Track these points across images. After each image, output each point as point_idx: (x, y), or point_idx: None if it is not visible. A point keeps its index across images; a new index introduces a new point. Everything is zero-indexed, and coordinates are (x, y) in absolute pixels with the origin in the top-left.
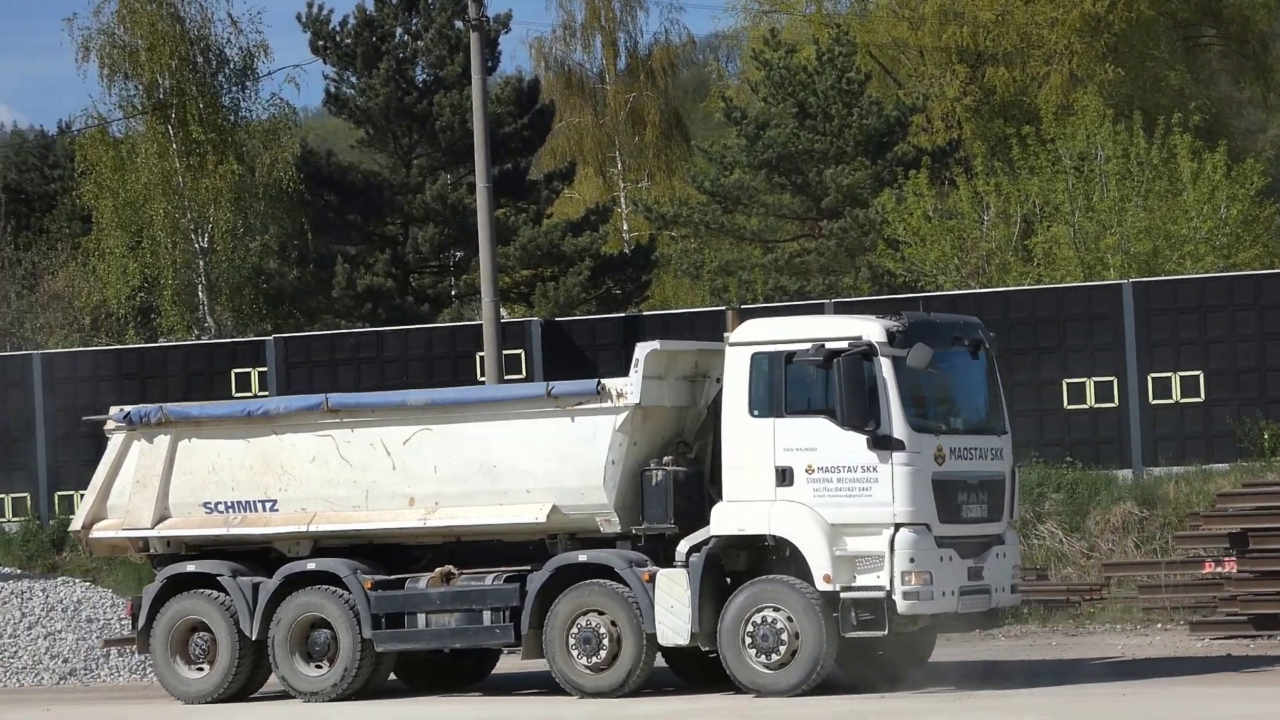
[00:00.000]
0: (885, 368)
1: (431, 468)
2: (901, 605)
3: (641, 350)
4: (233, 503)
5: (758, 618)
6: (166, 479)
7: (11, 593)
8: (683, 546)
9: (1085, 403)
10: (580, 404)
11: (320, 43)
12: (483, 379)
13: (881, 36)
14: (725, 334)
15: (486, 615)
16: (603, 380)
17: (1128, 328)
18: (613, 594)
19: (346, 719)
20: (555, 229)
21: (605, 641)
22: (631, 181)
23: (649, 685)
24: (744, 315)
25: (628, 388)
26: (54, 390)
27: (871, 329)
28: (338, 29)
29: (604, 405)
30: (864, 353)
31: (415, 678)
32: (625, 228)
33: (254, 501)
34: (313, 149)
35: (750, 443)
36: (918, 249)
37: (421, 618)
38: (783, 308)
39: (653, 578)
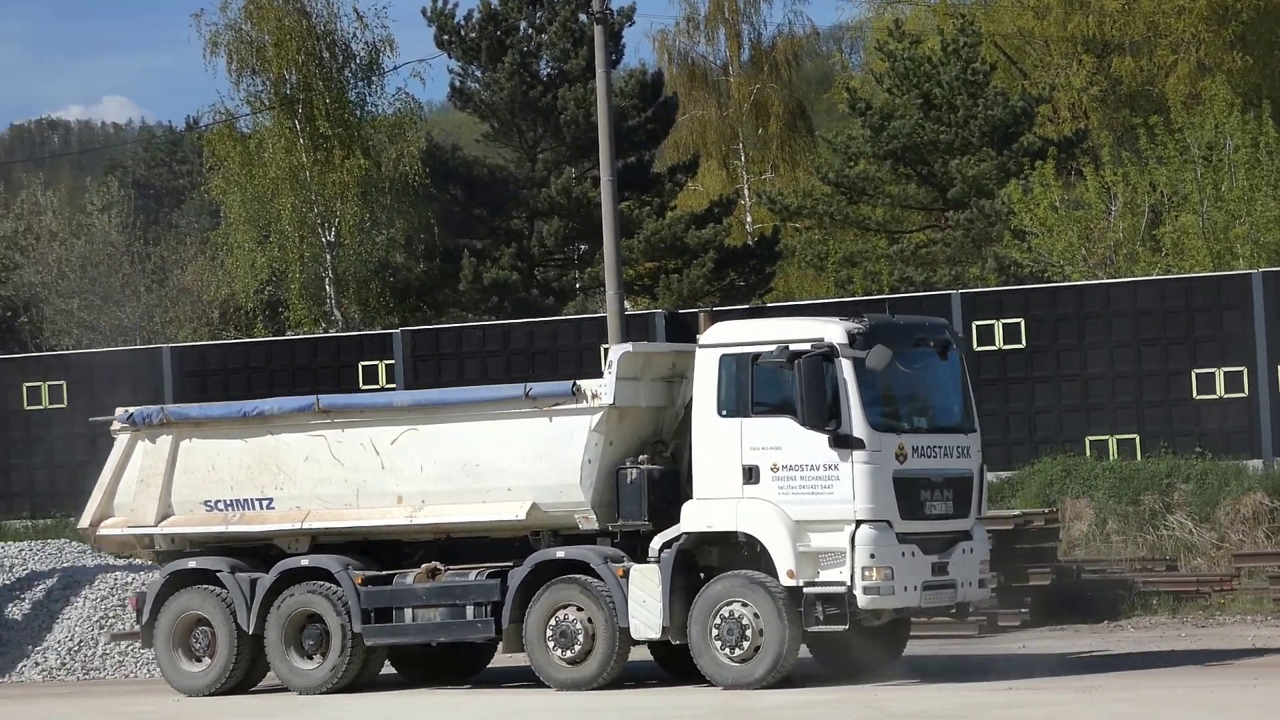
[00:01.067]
0: (846, 368)
1: (418, 467)
2: (862, 600)
3: (615, 352)
4: (231, 501)
5: (725, 612)
6: (169, 478)
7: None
8: (655, 543)
9: (1215, 393)
10: (557, 404)
11: (445, 37)
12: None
13: (1006, 27)
14: (697, 336)
15: (470, 610)
16: (578, 381)
17: (1257, 317)
18: (588, 589)
19: (327, 711)
20: (679, 221)
21: (580, 636)
22: (755, 173)
23: (629, 678)
24: (716, 318)
25: (602, 389)
26: (184, 383)
27: (833, 331)
28: (462, 23)
29: (580, 406)
30: (825, 354)
31: (412, 671)
32: (749, 219)
33: (251, 500)
34: (438, 143)
35: (718, 442)
36: (1044, 240)
37: (408, 612)
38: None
39: (626, 573)
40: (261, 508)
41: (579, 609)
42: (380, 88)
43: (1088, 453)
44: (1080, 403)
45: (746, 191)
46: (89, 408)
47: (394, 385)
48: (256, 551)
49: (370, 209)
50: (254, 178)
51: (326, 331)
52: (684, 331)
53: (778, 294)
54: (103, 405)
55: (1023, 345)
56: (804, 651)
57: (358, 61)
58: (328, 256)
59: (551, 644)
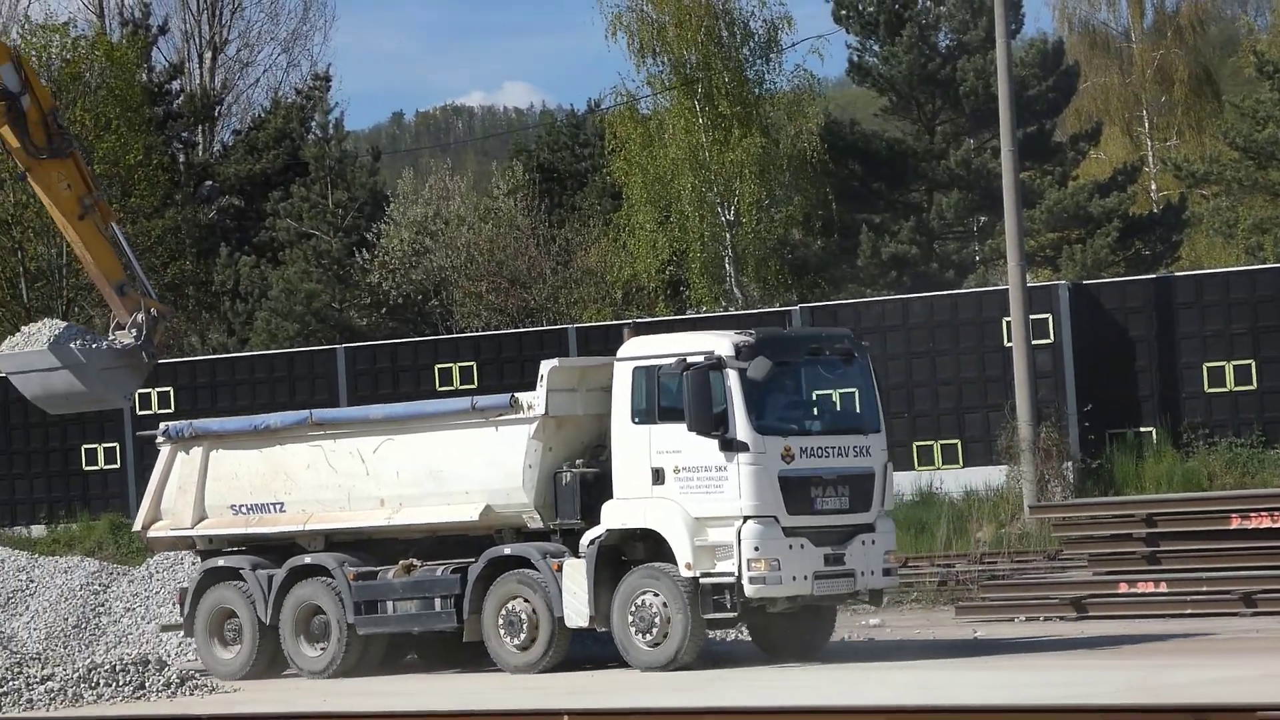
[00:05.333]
0: (732, 378)
1: (395, 473)
2: (749, 589)
3: (545, 367)
4: (251, 505)
5: (639, 601)
6: (202, 485)
7: None
8: (584, 539)
9: None
10: (501, 415)
11: (843, 12)
12: (1009, 344)
13: None
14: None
15: (437, 602)
16: (515, 394)
17: None
18: (531, 582)
19: (325, 689)
20: (1082, 190)
21: (525, 624)
22: (1160, 140)
23: (567, 661)
24: (639, 331)
25: (535, 400)
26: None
27: (721, 344)
28: None
29: (519, 416)
30: (712, 365)
31: (431, 656)
32: (1154, 187)
33: (267, 504)
34: (836, 119)
35: (631, 447)
36: None
37: (390, 604)
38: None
39: (561, 567)
40: (274, 511)
41: (525, 600)
42: (778, 65)
43: None
44: None
45: (1151, 158)
46: (497, 389)
47: None
48: (284, 549)
49: (769, 186)
50: (654, 158)
51: (726, 309)
52: (1090, 304)
53: (1184, 263)
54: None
55: None
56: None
57: (756, 39)
58: (727, 235)
59: (503, 632)
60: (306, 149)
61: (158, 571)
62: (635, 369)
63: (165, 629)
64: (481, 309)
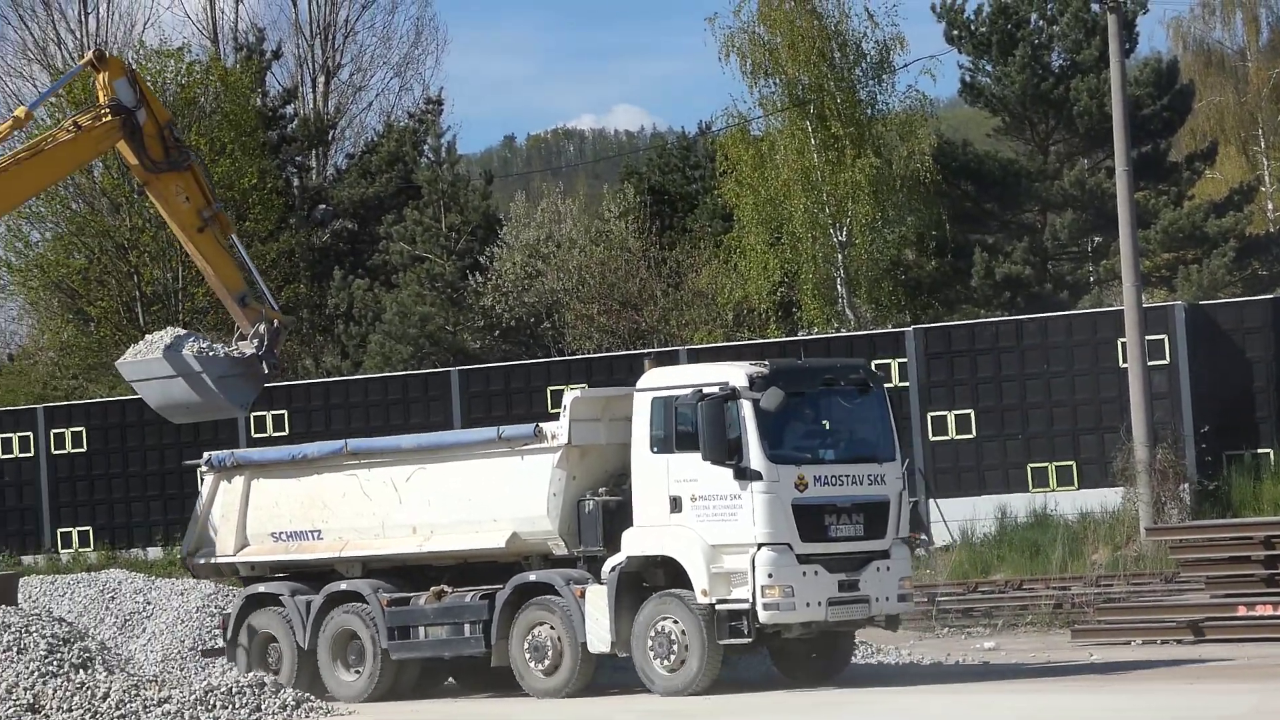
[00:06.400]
0: (746, 408)
1: (426, 501)
2: (763, 615)
3: (568, 397)
4: (290, 532)
5: (658, 627)
6: (244, 513)
7: None
8: (606, 566)
9: None
10: (526, 444)
11: (955, 32)
12: (1124, 365)
13: None
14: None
15: (466, 628)
16: (540, 425)
17: None
18: (556, 608)
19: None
20: (1197, 210)
21: (550, 650)
22: (1276, 159)
23: (594, 687)
24: (660, 361)
25: (559, 430)
26: None
27: (735, 375)
28: (973, 18)
29: (543, 445)
30: (727, 396)
31: (467, 681)
32: (1270, 206)
33: (305, 531)
34: (948, 139)
35: (651, 475)
36: None
37: (421, 630)
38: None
39: (584, 594)
40: (313, 538)
41: (550, 626)
42: (891, 85)
43: None
44: None
45: (1267, 177)
46: None
47: (906, 384)
48: (324, 576)
49: (881, 207)
50: (766, 180)
51: (838, 331)
52: (1207, 325)
53: None
54: None
55: None
56: (769, 663)
57: (868, 60)
58: (839, 256)
59: (529, 657)
60: (419, 173)
61: None
62: (654, 399)
63: (206, 654)
64: (593, 331)
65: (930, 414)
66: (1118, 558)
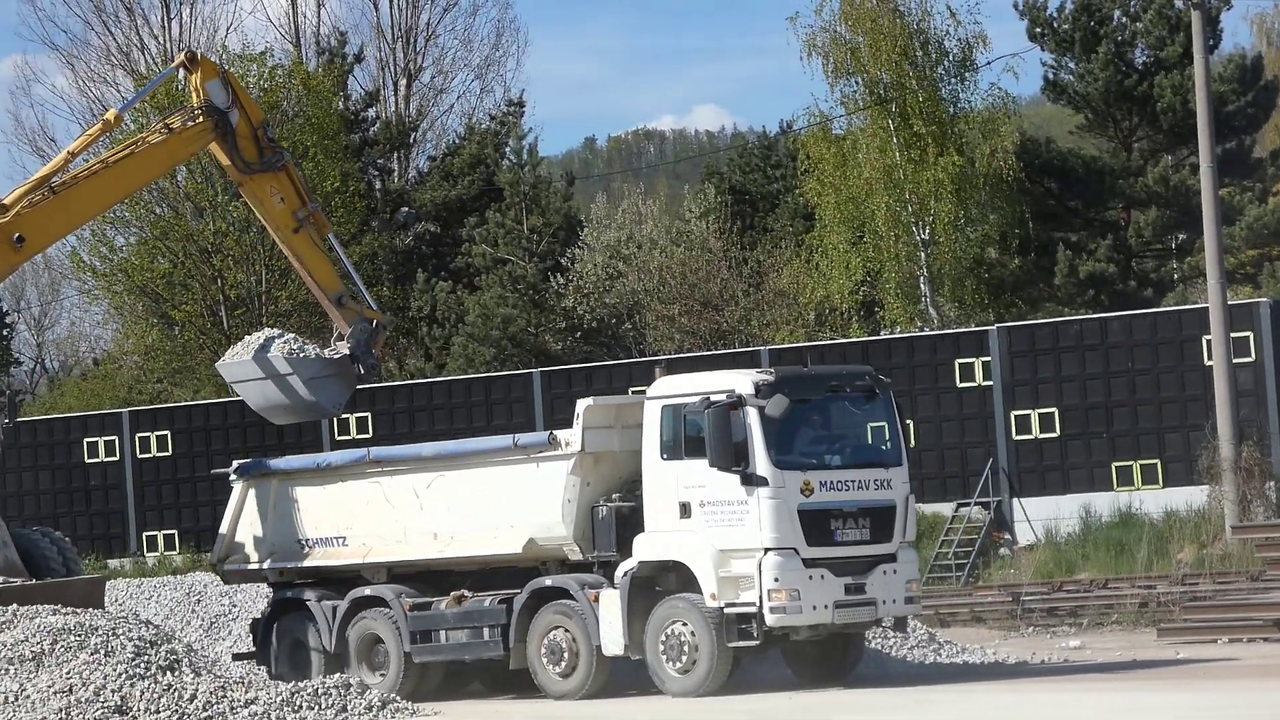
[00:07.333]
0: (752, 415)
1: (446, 507)
2: (770, 618)
3: (580, 405)
4: (316, 539)
5: (669, 630)
6: (271, 520)
7: None
8: (619, 571)
9: None
10: (541, 452)
11: (1038, 29)
12: (1209, 363)
13: None
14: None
15: (485, 631)
16: (554, 432)
17: None
18: (571, 612)
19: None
20: None
21: (566, 653)
22: None
23: (611, 687)
24: (671, 369)
25: (573, 437)
26: None
27: (742, 382)
28: (1055, 15)
29: (558, 452)
30: (733, 403)
31: (491, 683)
32: None
33: (330, 538)
34: (1031, 137)
35: (661, 482)
36: None
37: (442, 634)
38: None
39: (598, 598)
40: (338, 545)
41: (566, 630)
42: (973, 84)
43: None
44: None
45: None
46: None
47: (990, 383)
48: (350, 582)
49: (964, 205)
50: (848, 179)
51: (922, 330)
52: None
53: None
54: None
55: None
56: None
57: (950, 58)
58: (922, 255)
59: (546, 660)
60: (501, 175)
61: None
62: (663, 407)
63: (237, 658)
64: (674, 331)
65: (1014, 413)
66: (1203, 556)
